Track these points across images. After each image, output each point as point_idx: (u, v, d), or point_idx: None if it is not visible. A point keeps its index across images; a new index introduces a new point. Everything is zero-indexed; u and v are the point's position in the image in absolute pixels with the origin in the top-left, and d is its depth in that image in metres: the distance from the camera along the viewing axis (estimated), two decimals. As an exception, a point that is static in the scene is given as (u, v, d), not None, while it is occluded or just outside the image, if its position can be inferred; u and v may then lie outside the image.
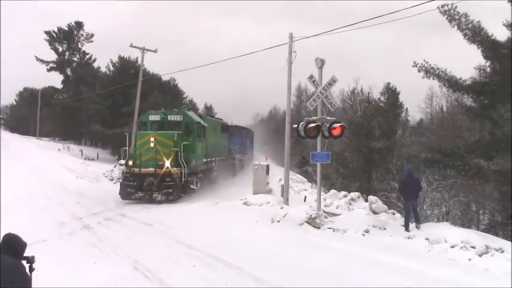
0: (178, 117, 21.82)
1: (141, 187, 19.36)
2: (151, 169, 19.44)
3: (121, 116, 40.45)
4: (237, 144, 34.12)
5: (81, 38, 49.00)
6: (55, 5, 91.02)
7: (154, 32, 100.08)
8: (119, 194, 19.72)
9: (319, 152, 15.30)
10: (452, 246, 11.30)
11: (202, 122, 23.25)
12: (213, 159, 25.33)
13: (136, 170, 19.58)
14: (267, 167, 22.65)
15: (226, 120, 40.75)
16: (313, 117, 15.09)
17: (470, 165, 16.08)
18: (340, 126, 14.64)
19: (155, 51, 31.07)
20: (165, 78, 51.35)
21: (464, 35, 16.69)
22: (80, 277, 8.91)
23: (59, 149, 44.09)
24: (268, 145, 58.85)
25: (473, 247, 10.99)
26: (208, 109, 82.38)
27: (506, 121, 16.22)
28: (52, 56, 48.95)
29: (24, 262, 4.61)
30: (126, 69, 46.91)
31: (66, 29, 48.17)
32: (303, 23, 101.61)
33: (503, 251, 10.72)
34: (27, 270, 4.60)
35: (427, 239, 12.08)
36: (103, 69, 50.73)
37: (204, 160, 23.51)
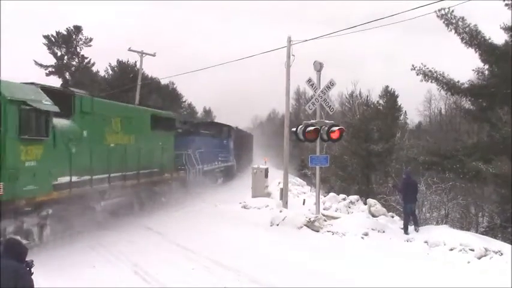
0: None
1: None
2: None
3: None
4: (205, 148, 24.69)
5: (80, 42, 49.00)
6: (53, 10, 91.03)
7: (152, 35, 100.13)
8: None
9: (318, 156, 15.34)
10: (451, 249, 11.32)
11: (43, 103, 10.96)
12: (109, 175, 13.85)
13: None
14: (266, 170, 22.67)
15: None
16: (312, 121, 15.13)
17: (469, 168, 16.11)
18: (339, 129, 14.70)
19: (154, 55, 31.08)
20: (164, 82, 51.39)
21: (462, 38, 16.75)
22: (79, 281, 8.89)
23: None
24: (267, 148, 58.96)
25: (472, 250, 11.01)
26: (207, 112, 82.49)
27: (504, 124, 16.26)
28: (51, 60, 48.93)
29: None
30: (125, 73, 46.91)
31: (65, 33, 48.16)
32: (303, 25, 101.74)
33: (502, 254, 10.73)
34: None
35: (426, 241, 12.10)
36: (102, 73, 50.83)
37: (60, 181, 11.68)
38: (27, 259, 4.68)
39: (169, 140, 19.37)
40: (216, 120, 37.25)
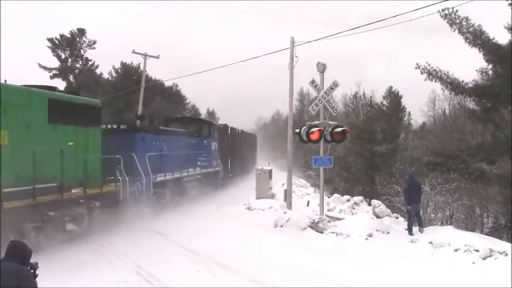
0: None
1: None
2: None
3: (124, 122, 40.01)
4: (170, 149, 19.01)
5: (84, 44, 49.22)
6: (57, 13, 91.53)
7: (155, 36, 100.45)
8: None
9: (322, 157, 15.31)
10: (456, 250, 11.29)
11: None
12: None
13: None
14: (270, 171, 22.71)
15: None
16: (315, 122, 15.12)
17: (473, 168, 16.06)
18: (343, 130, 14.69)
19: (157, 57, 31.10)
20: (167, 83, 51.51)
21: (465, 38, 16.71)
22: (82, 281, 8.91)
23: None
24: (271, 150, 58.97)
25: (477, 250, 10.98)
26: (211, 114, 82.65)
27: (508, 124, 16.22)
28: (55, 63, 49.17)
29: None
30: (129, 75, 47.08)
31: (69, 36, 48.37)
32: (305, 26, 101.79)
33: (507, 254, 10.69)
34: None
35: (430, 242, 12.07)
36: (105, 75, 51.04)
37: None
38: (31, 261, 4.69)
39: (89, 138, 13.11)
40: (192, 116, 29.70)
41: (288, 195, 17.72)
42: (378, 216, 15.27)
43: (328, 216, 15.04)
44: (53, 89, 12.61)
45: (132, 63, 48.30)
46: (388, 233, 13.43)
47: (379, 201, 16.87)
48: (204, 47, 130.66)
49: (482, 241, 11.57)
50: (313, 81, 15.26)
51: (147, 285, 9.01)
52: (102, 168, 13.76)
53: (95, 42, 49.43)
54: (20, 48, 75.30)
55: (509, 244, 11.54)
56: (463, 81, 17.66)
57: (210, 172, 24.45)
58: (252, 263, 10.34)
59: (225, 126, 32.36)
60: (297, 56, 16.69)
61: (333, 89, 15.28)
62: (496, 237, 14.20)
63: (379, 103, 38.45)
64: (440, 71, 17.47)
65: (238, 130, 36.92)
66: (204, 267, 10.11)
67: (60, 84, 49.02)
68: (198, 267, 10.15)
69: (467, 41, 16.78)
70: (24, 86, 11.38)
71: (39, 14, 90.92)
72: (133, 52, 30.44)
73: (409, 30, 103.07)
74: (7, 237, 9.10)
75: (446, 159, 17.82)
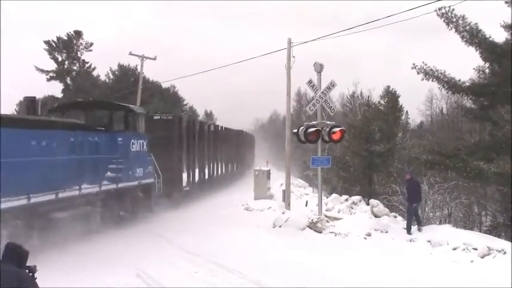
0: None
1: None
2: None
3: None
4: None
5: (81, 47, 49.10)
6: (54, 15, 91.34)
7: (153, 38, 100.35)
8: None
9: (320, 157, 15.33)
10: (455, 249, 11.30)
11: None
12: None
13: None
14: (268, 172, 22.69)
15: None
16: (313, 122, 15.13)
17: (471, 167, 16.09)
18: (340, 130, 14.73)
19: (154, 59, 31.07)
20: (165, 85, 51.48)
21: (462, 37, 16.74)
22: (82, 282, 8.88)
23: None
24: (270, 150, 58.97)
25: (475, 249, 11.00)
26: (209, 115, 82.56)
27: (506, 122, 16.24)
28: (52, 66, 49.05)
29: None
30: (126, 77, 47.04)
31: (65, 38, 48.27)
32: (303, 25, 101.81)
33: (505, 252, 10.71)
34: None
35: (429, 241, 12.09)
36: (102, 77, 50.97)
37: None
38: (30, 264, 4.65)
39: None
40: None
41: (286, 196, 17.71)
42: (376, 216, 15.29)
43: (326, 216, 15.05)
44: None
45: (129, 65, 48.32)
46: (386, 232, 13.44)
47: (378, 201, 16.90)
48: (201, 48, 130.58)
49: (481, 239, 11.59)
50: (310, 82, 15.27)
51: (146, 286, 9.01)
52: None
53: (91, 44, 49.31)
54: (18, 51, 75.17)
55: (508, 242, 11.58)
56: (459, 80, 17.71)
57: (130, 187, 15.41)
58: (251, 264, 10.32)
59: (176, 118, 22.42)
60: (294, 57, 16.66)
61: (330, 89, 15.30)
62: (494, 236, 14.26)
63: (377, 102, 38.51)
64: (436, 70, 17.51)
65: (208, 125, 29.16)
66: (203, 269, 10.09)
67: (57, 86, 49.01)
68: (197, 268, 10.13)
69: (464, 39, 16.82)
70: None
71: (37, 15, 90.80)
72: (131, 54, 30.43)
73: (406, 30, 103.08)
74: None
75: (444, 158, 17.85)
